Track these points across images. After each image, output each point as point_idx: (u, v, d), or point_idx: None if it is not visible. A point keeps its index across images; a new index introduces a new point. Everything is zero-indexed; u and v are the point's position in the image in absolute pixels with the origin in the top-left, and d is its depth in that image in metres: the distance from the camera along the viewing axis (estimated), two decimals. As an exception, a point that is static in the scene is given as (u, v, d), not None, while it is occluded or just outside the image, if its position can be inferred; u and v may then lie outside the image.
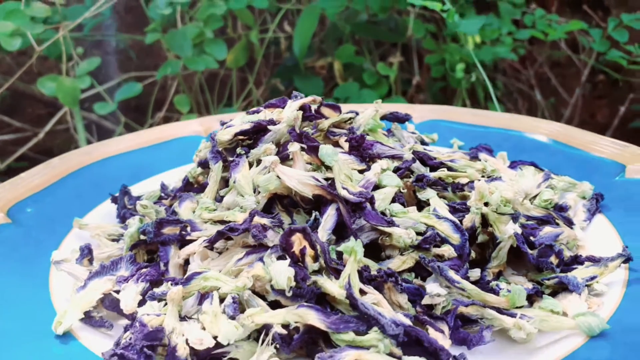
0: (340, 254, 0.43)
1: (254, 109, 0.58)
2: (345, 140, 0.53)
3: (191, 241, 0.47)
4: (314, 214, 0.45)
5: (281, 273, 0.38)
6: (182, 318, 0.40)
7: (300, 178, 0.46)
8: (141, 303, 0.42)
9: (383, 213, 0.47)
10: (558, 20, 0.96)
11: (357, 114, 0.59)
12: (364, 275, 0.41)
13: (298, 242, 0.40)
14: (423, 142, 0.66)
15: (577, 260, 0.47)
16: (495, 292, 0.43)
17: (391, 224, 0.44)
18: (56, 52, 0.89)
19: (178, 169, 0.69)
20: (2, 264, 0.50)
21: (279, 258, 0.43)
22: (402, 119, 0.64)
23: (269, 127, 0.50)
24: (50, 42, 0.84)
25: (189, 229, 0.47)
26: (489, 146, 0.64)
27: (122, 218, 0.58)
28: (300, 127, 0.55)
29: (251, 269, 0.41)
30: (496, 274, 0.47)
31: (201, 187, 0.55)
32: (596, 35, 0.93)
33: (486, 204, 0.47)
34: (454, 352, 0.38)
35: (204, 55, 0.92)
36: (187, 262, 0.47)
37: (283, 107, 0.58)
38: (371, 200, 0.45)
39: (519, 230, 0.45)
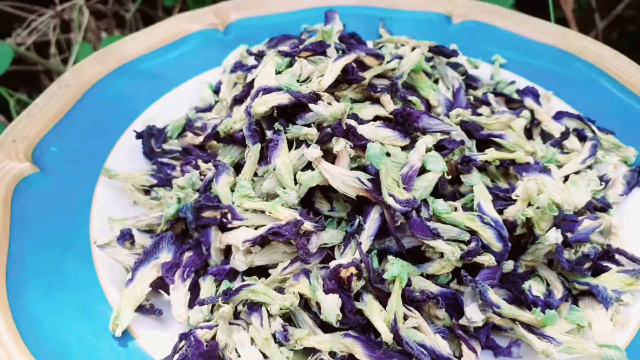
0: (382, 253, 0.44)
1: (287, 50, 0.53)
2: (390, 113, 0.49)
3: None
4: (357, 220, 0.44)
5: (330, 308, 0.39)
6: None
7: (344, 179, 0.44)
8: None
9: (425, 201, 0.46)
10: None
11: (400, 58, 0.54)
12: (407, 296, 0.42)
13: (346, 271, 0.41)
14: (465, 74, 0.61)
15: (608, 254, 0.49)
16: (527, 297, 0.45)
17: (436, 236, 0.44)
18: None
19: (200, 78, 0.65)
20: (43, 225, 0.50)
21: (322, 268, 0.44)
22: (447, 55, 0.58)
23: (310, 106, 0.46)
24: None
25: (229, 216, 0.46)
26: (535, 90, 0.59)
27: (149, 156, 0.57)
28: (341, 89, 0.51)
29: (296, 282, 0.43)
30: (530, 267, 0.48)
31: (231, 138, 0.53)
32: None
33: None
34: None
35: None
36: (228, 245, 0.47)
37: (320, 53, 0.53)
38: (417, 209, 0.44)
39: (560, 240, 0.45)
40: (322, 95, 0.47)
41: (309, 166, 0.46)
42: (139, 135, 0.57)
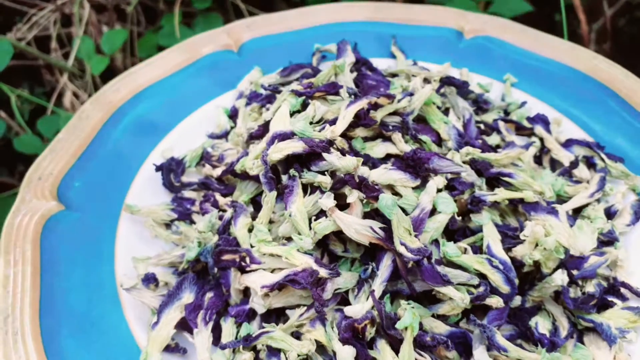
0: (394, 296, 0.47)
1: (300, 89, 0.54)
2: (402, 156, 0.50)
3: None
4: (370, 266, 0.46)
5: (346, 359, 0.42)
6: None
7: (357, 227, 0.46)
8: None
9: (436, 241, 0.48)
10: None
11: (411, 94, 0.55)
12: (418, 341, 0.44)
13: (359, 325, 0.43)
14: (477, 101, 0.62)
15: (613, 288, 0.50)
16: (533, 335, 0.47)
17: (447, 282, 0.46)
18: None
19: (216, 102, 0.66)
20: (71, 265, 0.52)
21: (337, 310, 0.46)
22: (458, 86, 0.59)
23: (324, 155, 0.48)
24: None
25: (247, 259, 0.49)
26: (545, 117, 0.60)
27: (170, 188, 0.59)
28: (354, 130, 0.52)
29: (313, 329, 0.45)
30: (537, 302, 0.50)
31: (247, 175, 0.54)
32: None
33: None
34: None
35: None
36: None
37: (333, 93, 0.54)
38: (429, 257, 0.46)
39: (566, 281, 0.47)
40: (335, 140, 0.48)
41: (323, 212, 0.48)
42: (158, 168, 0.59)
